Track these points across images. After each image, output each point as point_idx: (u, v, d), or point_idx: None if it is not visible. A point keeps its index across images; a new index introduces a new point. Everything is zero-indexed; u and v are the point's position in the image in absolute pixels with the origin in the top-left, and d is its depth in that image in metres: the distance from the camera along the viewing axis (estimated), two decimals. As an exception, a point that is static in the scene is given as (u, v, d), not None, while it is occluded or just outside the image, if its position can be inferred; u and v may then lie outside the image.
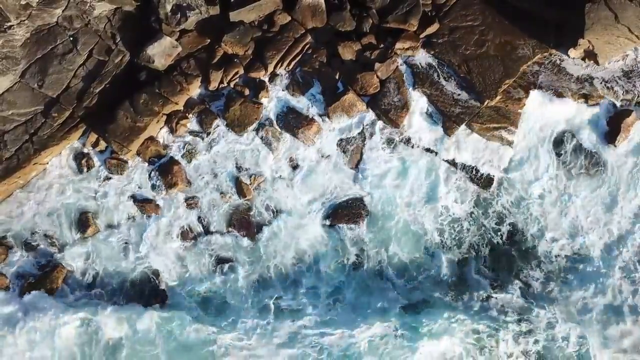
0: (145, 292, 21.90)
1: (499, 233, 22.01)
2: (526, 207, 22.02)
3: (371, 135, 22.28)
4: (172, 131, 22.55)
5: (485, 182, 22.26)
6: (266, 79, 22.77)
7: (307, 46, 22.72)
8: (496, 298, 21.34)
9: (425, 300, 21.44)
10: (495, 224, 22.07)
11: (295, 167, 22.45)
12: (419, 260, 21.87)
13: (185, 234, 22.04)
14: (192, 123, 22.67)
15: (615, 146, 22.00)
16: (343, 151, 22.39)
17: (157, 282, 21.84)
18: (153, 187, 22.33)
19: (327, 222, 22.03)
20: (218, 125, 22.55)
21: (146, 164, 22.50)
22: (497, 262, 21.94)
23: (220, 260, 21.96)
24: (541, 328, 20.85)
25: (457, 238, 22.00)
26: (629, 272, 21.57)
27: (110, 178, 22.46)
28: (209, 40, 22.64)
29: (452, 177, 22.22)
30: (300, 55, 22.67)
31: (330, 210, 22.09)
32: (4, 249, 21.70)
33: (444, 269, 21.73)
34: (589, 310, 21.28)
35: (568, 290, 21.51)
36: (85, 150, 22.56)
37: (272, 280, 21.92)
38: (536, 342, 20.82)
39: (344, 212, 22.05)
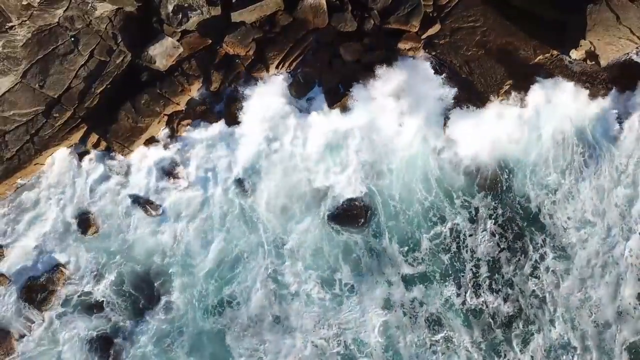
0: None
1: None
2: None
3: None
4: (174, 131, 22.55)
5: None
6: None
7: (309, 47, 22.72)
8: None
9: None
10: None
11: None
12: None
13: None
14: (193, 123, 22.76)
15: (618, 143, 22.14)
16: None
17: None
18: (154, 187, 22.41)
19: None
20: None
21: (147, 164, 22.48)
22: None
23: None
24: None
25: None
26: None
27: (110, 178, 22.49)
28: (210, 41, 22.62)
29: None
30: (302, 56, 22.68)
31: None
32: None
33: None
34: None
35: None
36: (86, 151, 22.54)
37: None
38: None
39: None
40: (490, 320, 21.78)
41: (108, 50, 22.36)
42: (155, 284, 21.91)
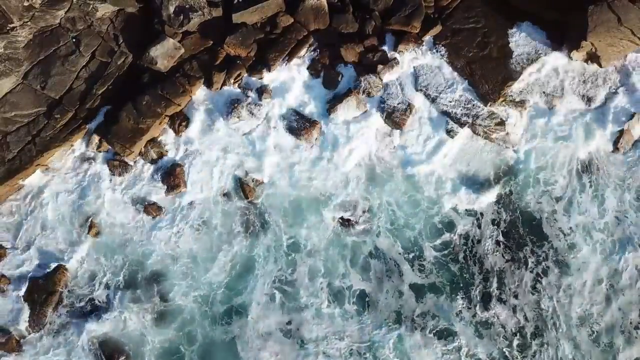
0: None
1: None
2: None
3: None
4: (175, 132, 22.56)
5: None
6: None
7: (310, 48, 22.72)
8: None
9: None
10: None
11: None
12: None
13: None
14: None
15: (618, 149, 22.05)
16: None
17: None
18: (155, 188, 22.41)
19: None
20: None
21: (148, 165, 22.50)
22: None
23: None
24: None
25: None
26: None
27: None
28: (211, 42, 22.63)
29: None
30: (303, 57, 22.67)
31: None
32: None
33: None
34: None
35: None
36: (88, 152, 22.55)
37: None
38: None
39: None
40: (502, 330, 21.64)
41: (109, 51, 22.38)
42: (159, 288, 21.87)
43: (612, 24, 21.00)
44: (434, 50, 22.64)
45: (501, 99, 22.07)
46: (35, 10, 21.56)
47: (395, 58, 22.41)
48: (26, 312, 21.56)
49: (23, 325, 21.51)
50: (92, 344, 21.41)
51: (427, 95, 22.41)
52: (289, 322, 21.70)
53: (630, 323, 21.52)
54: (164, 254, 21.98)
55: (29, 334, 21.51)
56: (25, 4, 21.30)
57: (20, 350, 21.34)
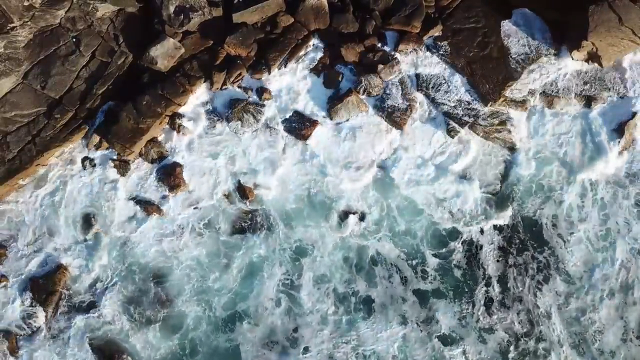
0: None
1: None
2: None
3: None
4: (175, 132, 22.52)
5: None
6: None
7: (310, 48, 22.70)
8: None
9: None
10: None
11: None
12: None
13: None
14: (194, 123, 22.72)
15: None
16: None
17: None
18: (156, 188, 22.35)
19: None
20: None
21: (149, 165, 22.46)
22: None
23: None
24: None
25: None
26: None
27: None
28: (212, 42, 22.62)
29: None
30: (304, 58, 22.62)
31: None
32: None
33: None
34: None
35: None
36: (88, 152, 22.51)
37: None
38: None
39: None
40: (505, 336, 21.54)
41: (109, 51, 22.37)
42: (160, 291, 21.78)
43: (613, 24, 20.99)
44: (435, 50, 22.62)
45: (502, 99, 22.04)
46: (35, 10, 21.56)
47: (395, 58, 22.40)
48: (27, 312, 21.51)
49: (24, 324, 21.46)
50: (91, 345, 21.35)
51: (427, 95, 22.41)
52: (295, 330, 21.55)
53: (632, 331, 21.40)
54: (164, 256, 21.90)
55: (30, 333, 21.45)
56: (26, 3, 21.31)
57: (21, 351, 21.32)
